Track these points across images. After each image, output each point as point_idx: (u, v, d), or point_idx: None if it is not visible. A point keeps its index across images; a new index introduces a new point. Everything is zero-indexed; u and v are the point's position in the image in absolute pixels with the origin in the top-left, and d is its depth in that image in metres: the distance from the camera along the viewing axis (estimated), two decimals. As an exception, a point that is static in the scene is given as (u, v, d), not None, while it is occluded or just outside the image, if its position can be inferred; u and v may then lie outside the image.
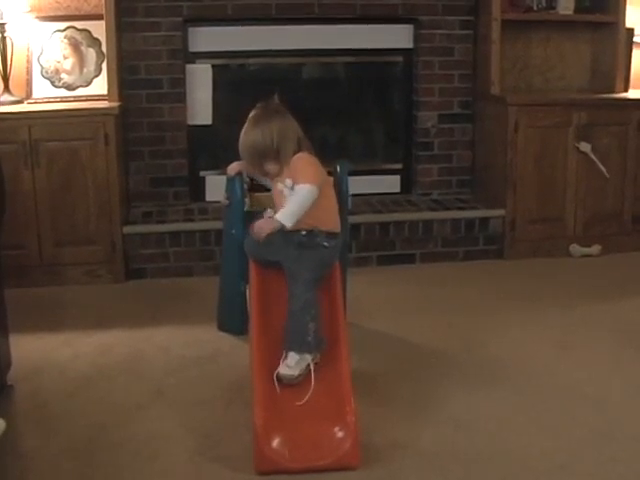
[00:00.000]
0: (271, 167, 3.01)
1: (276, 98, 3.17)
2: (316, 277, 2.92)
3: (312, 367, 2.77)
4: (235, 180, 3.31)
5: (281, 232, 2.94)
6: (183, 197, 4.90)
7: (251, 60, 4.96)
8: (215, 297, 3.71)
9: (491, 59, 4.85)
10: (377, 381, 3.21)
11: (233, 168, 3.31)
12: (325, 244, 3.00)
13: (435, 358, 3.42)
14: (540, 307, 4.04)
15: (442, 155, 5.15)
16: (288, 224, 2.88)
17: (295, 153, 3.00)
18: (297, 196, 2.91)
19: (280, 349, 2.81)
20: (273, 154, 2.98)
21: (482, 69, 4.98)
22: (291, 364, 2.77)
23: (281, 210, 2.92)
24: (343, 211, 3.32)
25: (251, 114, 3.07)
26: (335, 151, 3.46)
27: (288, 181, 2.99)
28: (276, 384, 2.73)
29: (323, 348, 2.83)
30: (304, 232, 2.96)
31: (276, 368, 2.76)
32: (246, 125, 3.03)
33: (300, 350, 2.79)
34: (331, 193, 3.14)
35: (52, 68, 4.58)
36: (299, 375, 2.76)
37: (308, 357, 2.79)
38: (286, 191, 3.00)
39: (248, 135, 3.01)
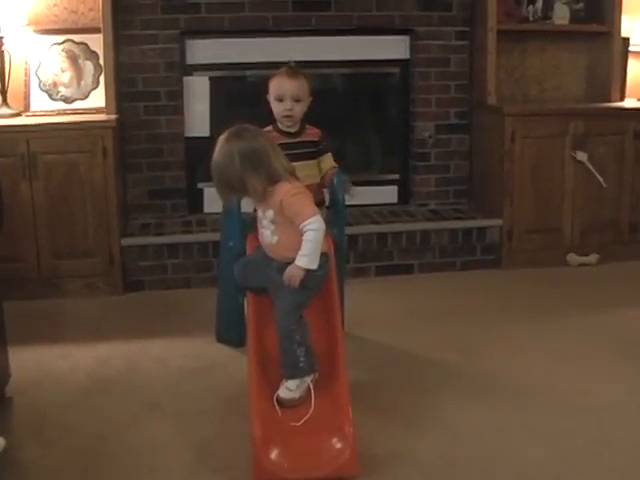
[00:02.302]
0: (242, 198, 2.89)
1: (292, 63, 3.42)
2: (298, 302, 2.82)
3: (312, 387, 2.76)
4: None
5: (262, 257, 2.91)
6: (181, 209, 4.90)
7: (248, 72, 4.96)
8: (213, 309, 3.72)
9: (487, 69, 4.86)
10: (375, 391, 3.21)
11: None
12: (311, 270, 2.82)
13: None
14: (537, 316, 4.04)
15: (439, 165, 5.16)
16: (313, 267, 2.75)
17: (271, 183, 2.75)
18: (308, 236, 2.73)
19: (278, 359, 2.82)
20: (240, 185, 2.73)
21: (478, 79, 4.99)
22: (291, 387, 2.76)
23: (299, 255, 2.74)
24: (340, 222, 3.33)
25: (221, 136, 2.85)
26: (335, 162, 3.48)
27: (269, 213, 2.82)
28: (277, 407, 2.72)
29: (317, 365, 2.82)
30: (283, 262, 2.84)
31: (274, 379, 2.77)
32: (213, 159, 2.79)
33: (294, 375, 2.77)
34: None
35: (50, 81, 4.59)
36: (300, 397, 2.76)
37: (307, 379, 2.78)
38: (265, 223, 2.86)
39: (213, 162, 2.77)
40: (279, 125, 3.45)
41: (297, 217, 2.75)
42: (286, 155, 3.39)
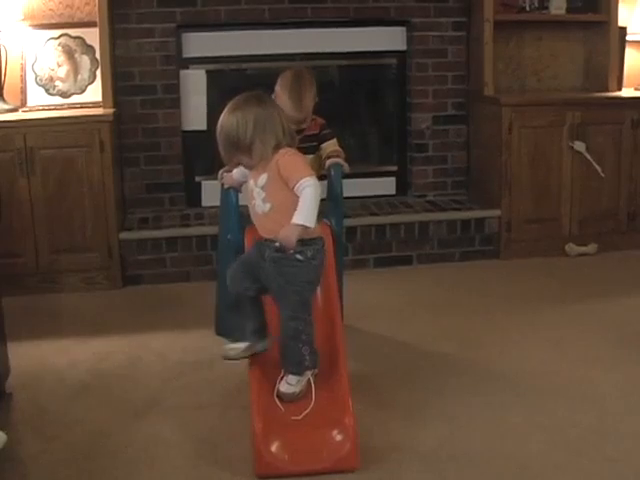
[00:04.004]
0: (244, 160, 2.78)
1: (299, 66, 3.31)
2: (304, 301, 2.75)
3: (312, 381, 2.75)
4: (230, 190, 3.30)
5: (255, 253, 2.83)
6: (179, 203, 4.90)
7: (245, 65, 4.96)
8: (212, 302, 3.72)
9: (484, 60, 4.86)
10: (375, 383, 3.21)
11: (227, 180, 3.25)
12: (299, 257, 2.71)
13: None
14: (537, 307, 4.05)
15: (437, 156, 5.16)
16: (310, 224, 2.64)
17: (275, 148, 2.72)
18: (306, 193, 2.64)
19: (277, 353, 2.82)
20: (246, 146, 2.71)
21: (475, 70, 4.99)
22: (292, 382, 2.74)
23: (296, 213, 2.64)
24: (338, 213, 3.33)
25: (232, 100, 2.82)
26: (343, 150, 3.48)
27: (262, 178, 2.74)
28: (277, 402, 2.71)
29: (318, 361, 2.79)
30: (276, 246, 2.71)
31: (273, 371, 2.77)
32: (224, 110, 2.78)
33: (298, 372, 2.75)
34: None
35: (46, 76, 4.59)
36: (300, 391, 2.74)
37: (308, 373, 2.76)
38: (256, 192, 2.77)
39: (222, 122, 2.75)
40: None
41: (293, 175, 2.67)
42: None
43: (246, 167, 2.84)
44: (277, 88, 3.41)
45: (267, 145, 2.71)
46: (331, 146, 3.52)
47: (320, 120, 3.54)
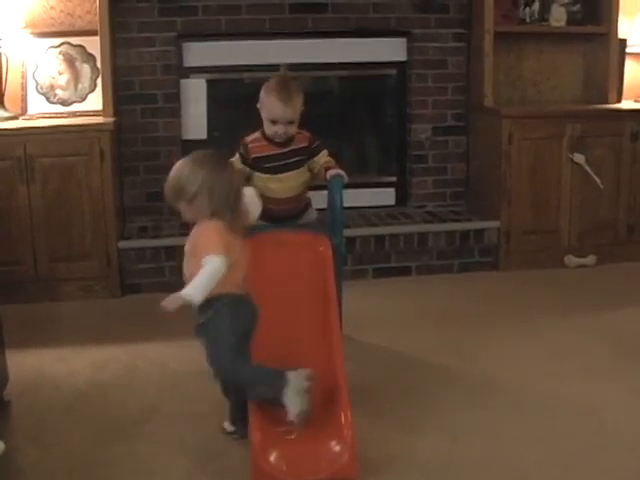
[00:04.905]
0: (182, 209, 2.75)
1: (284, 69, 3.26)
2: (219, 351, 2.70)
3: (307, 386, 2.66)
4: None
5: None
6: (178, 212, 4.88)
7: (245, 74, 4.97)
8: (211, 311, 3.71)
9: (484, 71, 4.87)
10: (373, 394, 3.21)
11: None
12: (202, 321, 2.73)
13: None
14: (536, 318, 4.04)
15: (436, 167, 5.16)
16: (196, 299, 2.58)
17: (212, 216, 2.68)
18: (204, 269, 2.59)
19: (276, 362, 2.80)
20: (187, 199, 2.70)
21: (475, 81, 5.00)
22: (291, 401, 2.63)
23: (189, 285, 2.61)
24: (338, 224, 3.33)
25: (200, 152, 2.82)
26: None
27: (191, 235, 2.74)
28: (298, 423, 2.61)
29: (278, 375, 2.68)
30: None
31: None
32: (186, 158, 2.78)
33: (283, 395, 2.61)
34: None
35: (47, 84, 4.59)
36: (307, 402, 2.61)
37: (294, 382, 2.61)
38: (186, 255, 2.75)
39: (178, 167, 2.76)
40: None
41: (203, 251, 2.63)
42: (277, 166, 3.43)
43: (183, 217, 2.80)
44: (262, 95, 3.39)
45: (205, 208, 2.69)
46: (324, 157, 3.52)
47: (306, 133, 3.53)
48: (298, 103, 3.38)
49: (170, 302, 2.60)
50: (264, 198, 3.48)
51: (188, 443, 2.83)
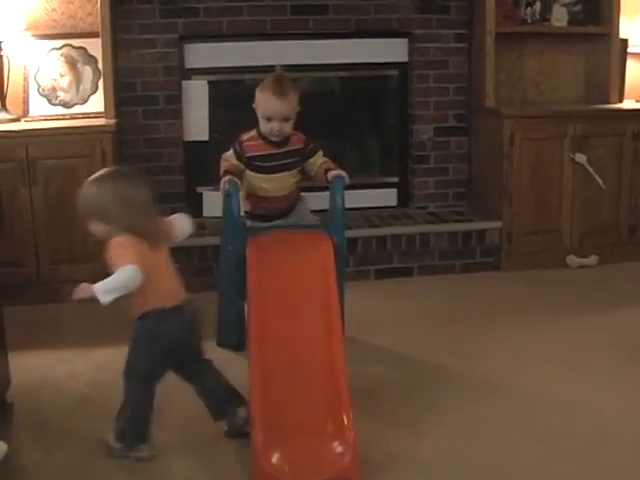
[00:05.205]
0: (94, 227, 2.72)
1: (279, 69, 3.43)
2: (130, 365, 2.79)
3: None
4: (231, 196, 3.31)
5: None
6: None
7: (247, 76, 4.96)
8: (213, 313, 3.72)
9: (486, 72, 4.87)
10: (375, 395, 3.21)
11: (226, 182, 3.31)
12: (132, 336, 2.81)
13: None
14: (537, 319, 4.04)
15: (438, 168, 5.16)
16: (103, 299, 2.57)
17: (125, 230, 2.66)
18: (115, 274, 2.59)
19: (279, 365, 2.81)
20: (97, 216, 2.68)
21: (477, 82, 5.00)
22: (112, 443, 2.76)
23: (101, 281, 2.60)
24: (339, 225, 3.34)
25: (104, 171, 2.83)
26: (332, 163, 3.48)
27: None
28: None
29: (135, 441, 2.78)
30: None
31: (275, 384, 2.75)
32: (95, 175, 2.78)
33: (120, 439, 2.75)
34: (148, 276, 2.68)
35: (49, 86, 4.60)
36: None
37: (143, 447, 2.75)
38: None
39: (88, 186, 2.73)
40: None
41: (114, 267, 2.61)
42: (272, 166, 3.44)
43: (96, 236, 2.78)
44: (257, 93, 3.42)
45: (116, 225, 2.67)
46: (320, 158, 3.53)
47: (301, 135, 3.54)
48: (293, 100, 3.39)
49: (79, 291, 2.61)
50: (256, 196, 3.52)
51: (190, 444, 2.83)
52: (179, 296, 2.80)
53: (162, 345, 2.76)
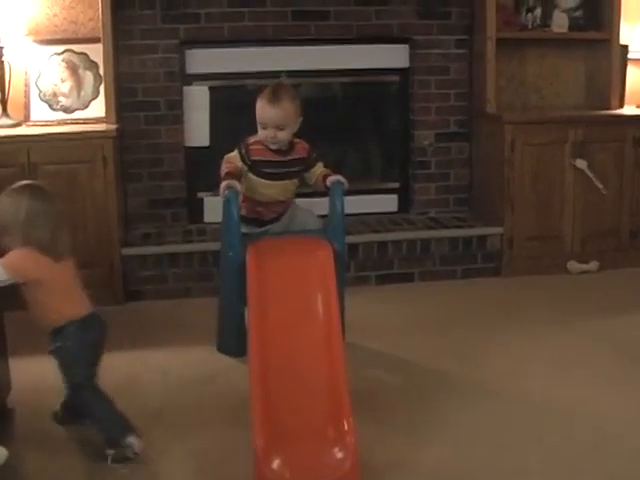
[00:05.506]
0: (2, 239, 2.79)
1: (284, 78, 3.46)
2: (73, 382, 2.88)
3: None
4: (231, 202, 3.31)
5: None
6: (181, 218, 4.90)
7: (248, 82, 4.97)
8: (214, 318, 3.72)
9: (486, 77, 4.87)
10: (376, 400, 3.21)
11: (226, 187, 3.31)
12: (52, 349, 2.89)
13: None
14: (538, 324, 4.04)
15: (439, 174, 5.16)
16: None
17: (24, 244, 2.76)
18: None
19: (280, 370, 2.81)
20: (3, 229, 2.77)
21: (478, 87, 5.00)
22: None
23: None
24: (340, 230, 3.34)
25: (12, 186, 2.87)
26: (332, 171, 3.48)
27: None
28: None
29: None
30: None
31: (276, 388, 2.75)
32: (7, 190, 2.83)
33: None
34: (52, 288, 2.91)
35: (50, 91, 4.60)
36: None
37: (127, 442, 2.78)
38: None
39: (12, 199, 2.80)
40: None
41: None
42: (275, 173, 3.45)
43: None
44: (257, 103, 3.43)
45: (17, 237, 2.75)
46: (320, 168, 3.55)
47: (306, 144, 3.54)
48: (288, 108, 3.38)
49: None
50: (253, 200, 3.52)
51: (191, 450, 2.83)
52: (88, 306, 2.95)
53: (90, 341, 2.89)
